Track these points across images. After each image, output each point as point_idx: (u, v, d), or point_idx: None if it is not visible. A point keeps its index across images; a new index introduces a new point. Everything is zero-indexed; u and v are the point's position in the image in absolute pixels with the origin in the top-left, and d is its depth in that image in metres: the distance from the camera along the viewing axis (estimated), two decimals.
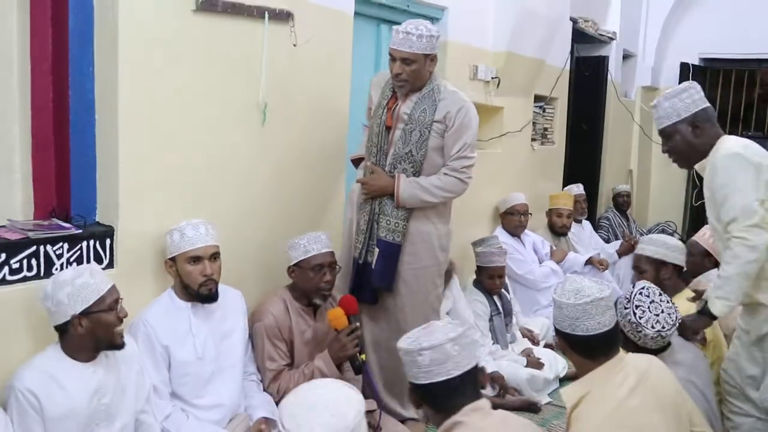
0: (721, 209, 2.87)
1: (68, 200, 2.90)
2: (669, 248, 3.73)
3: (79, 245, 2.75)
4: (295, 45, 3.49)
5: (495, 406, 3.39)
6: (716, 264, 3.72)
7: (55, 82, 2.81)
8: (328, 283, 3.29)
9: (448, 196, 3.48)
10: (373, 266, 3.45)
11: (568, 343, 2.41)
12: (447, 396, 2.07)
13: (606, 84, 7.54)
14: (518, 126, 5.87)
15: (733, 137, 2.99)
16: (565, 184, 6.89)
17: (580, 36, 6.86)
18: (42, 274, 2.61)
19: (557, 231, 6.10)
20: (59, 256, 2.69)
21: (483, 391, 4.04)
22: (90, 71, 2.84)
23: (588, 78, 7.39)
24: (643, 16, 8.44)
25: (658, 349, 2.78)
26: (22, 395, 2.36)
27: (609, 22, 7.59)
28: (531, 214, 5.65)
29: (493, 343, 4.52)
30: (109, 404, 2.53)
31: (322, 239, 3.32)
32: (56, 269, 2.64)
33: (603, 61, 7.51)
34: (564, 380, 4.54)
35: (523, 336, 4.89)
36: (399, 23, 3.39)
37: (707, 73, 8.54)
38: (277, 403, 3.11)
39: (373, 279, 3.45)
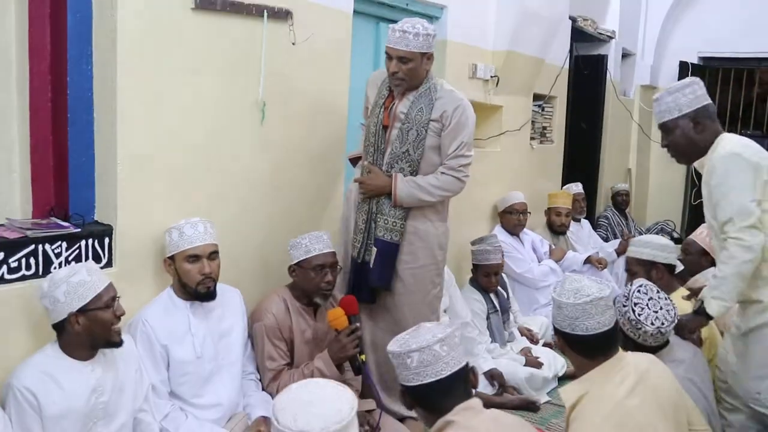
0: (718, 208, 2.87)
1: (67, 199, 2.89)
2: (658, 248, 3.74)
3: (78, 244, 2.74)
4: (294, 43, 3.49)
5: (494, 405, 3.41)
6: (713, 262, 3.72)
7: (54, 81, 2.80)
8: (329, 284, 3.28)
9: (445, 195, 3.47)
10: (371, 265, 3.45)
11: (568, 342, 2.41)
12: (438, 396, 2.07)
13: (605, 83, 7.54)
14: (517, 125, 5.87)
15: (733, 135, 2.98)
16: (564, 183, 6.90)
17: (579, 35, 6.86)
18: (40, 273, 2.61)
19: (556, 230, 6.10)
20: (58, 255, 2.68)
21: (483, 389, 4.10)
22: (88, 70, 2.83)
23: (587, 77, 7.39)
24: (642, 14, 8.45)
25: (658, 347, 2.78)
26: (20, 394, 2.36)
27: (608, 21, 7.60)
28: (530, 212, 5.65)
29: (491, 341, 4.52)
30: (107, 402, 2.53)
31: (324, 239, 3.32)
32: (55, 268, 2.63)
33: (602, 60, 7.51)
34: (563, 379, 4.54)
35: (522, 335, 4.89)
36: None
37: (706, 71, 8.53)
38: None
39: (371, 278, 3.45)
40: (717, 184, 2.86)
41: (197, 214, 3.01)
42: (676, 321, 2.78)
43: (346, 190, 3.74)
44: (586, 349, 2.37)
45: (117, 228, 2.86)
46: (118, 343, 2.54)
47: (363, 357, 3.14)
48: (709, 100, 2.99)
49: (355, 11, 3.96)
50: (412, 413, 3.55)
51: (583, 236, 6.59)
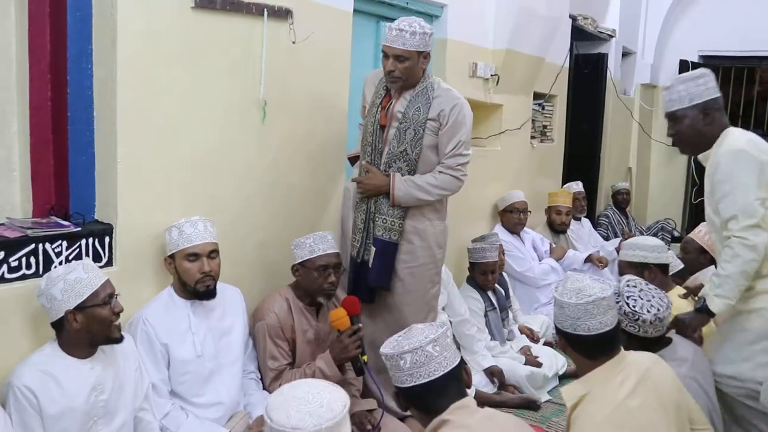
0: (721, 205, 2.86)
1: (67, 198, 2.89)
2: (648, 249, 3.74)
3: (78, 243, 2.74)
4: (294, 42, 3.48)
5: (494, 404, 3.41)
6: (712, 261, 3.73)
7: (54, 80, 2.80)
8: (332, 284, 3.28)
9: (443, 194, 3.47)
10: (370, 265, 3.45)
11: (569, 342, 2.40)
12: (432, 397, 2.07)
13: (605, 81, 7.54)
14: (517, 123, 5.87)
15: (738, 130, 2.97)
16: (564, 182, 6.90)
17: (579, 33, 6.85)
18: (41, 272, 2.60)
19: (556, 228, 6.10)
20: (58, 254, 2.68)
21: (483, 387, 4.10)
22: (88, 69, 2.83)
23: (587, 75, 7.39)
24: (643, 13, 8.45)
25: (660, 343, 2.77)
26: (20, 393, 2.36)
27: (608, 20, 7.60)
28: (530, 211, 5.66)
29: (491, 339, 4.52)
30: (107, 400, 2.53)
31: (328, 239, 3.32)
32: (55, 267, 2.63)
33: (602, 59, 7.50)
34: (564, 378, 4.55)
35: (523, 333, 4.89)
36: None
37: None
38: None
39: (370, 278, 3.45)
40: (721, 180, 2.85)
41: (198, 213, 3.01)
42: (670, 307, 2.77)
43: (344, 190, 3.73)
44: (587, 349, 2.37)
45: (117, 227, 2.86)
46: (118, 339, 2.54)
47: (365, 358, 3.14)
48: (719, 93, 2.98)
49: (355, 10, 3.95)
50: (410, 413, 3.58)
51: (583, 235, 6.59)
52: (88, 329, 2.45)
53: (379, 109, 3.45)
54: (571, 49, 6.65)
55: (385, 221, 3.42)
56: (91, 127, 2.87)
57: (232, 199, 3.33)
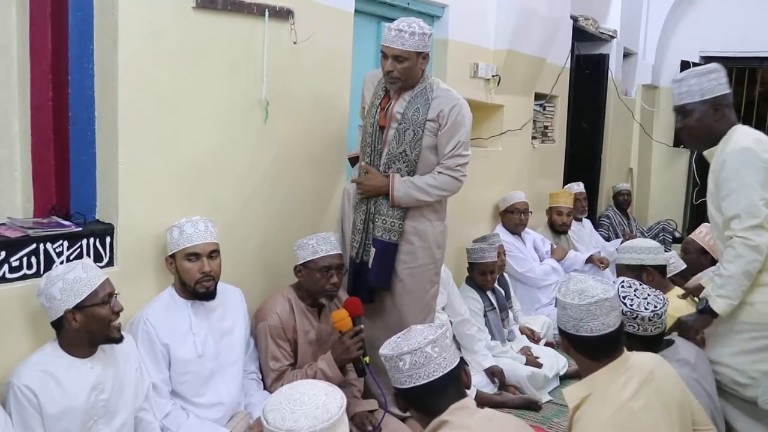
0: (724, 203, 2.85)
1: (68, 198, 2.89)
2: (644, 252, 3.74)
3: (79, 243, 2.74)
4: (295, 42, 3.48)
5: (495, 404, 3.40)
6: (713, 261, 3.73)
7: (55, 80, 2.80)
8: (334, 285, 3.27)
9: (443, 195, 3.47)
10: (369, 266, 3.45)
11: (572, 343, 2.39)
12: (432, 398, 2.07)
13: (606, 82, 7.54)
14: (519, 124, 5.86)
15: (746, 128, 2.96)
16: (565, 183, 6.90)
17: (580, 34, 6.85)
18: (42, 272, 2.60)
19: (557, 229, 6.10)
20: (59, 254, 2.68)
21: (483, 387, 4.10)
22: (90, 69, 2.83)
23: (588, 76, 7.38)
24: (644, 14, 8.45)
25: (662, 345, 2.77)
26: (20, 392, 2.36)
27: (609, 21, 7.59)
28: (531, 212, 5.65)
29: (491, 339, 4.52)
30: (107, 400, 2.53)
31: (331, 240, 3.31)
32: (56, 267, 2.63)
33: (603, 60, 7.50)
34: (565, 378, 4.55)
35: (523, 334, 4.89)
36: None
37: None
38: None
39: (369, 278, 3.45)
40: (726, 178, 2.84)
41: (199, 213, 3.01)
42: (667, 303, 2.77)
43: (344, 191, 3.73)
44: (590, 350, 2.36)
45: (118, 227, 2.86)
46: (118, 339, 2.54)
47: (366, 359, 3.14)
48: (729, 89, 2.96)
49: (356, 10, 3.95)
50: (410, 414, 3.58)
51: (584, 236, 6.59)
52: (88, 328, 2.45)
53: (379, 110, 3.45)
54: (572, 50, 6.65)
55: (384, 222, 3.42)
56: (92, 127, 2.87)
57: (234, 199, 3.33)
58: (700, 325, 2.98)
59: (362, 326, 3.15)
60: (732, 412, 2.95)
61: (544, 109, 6.50)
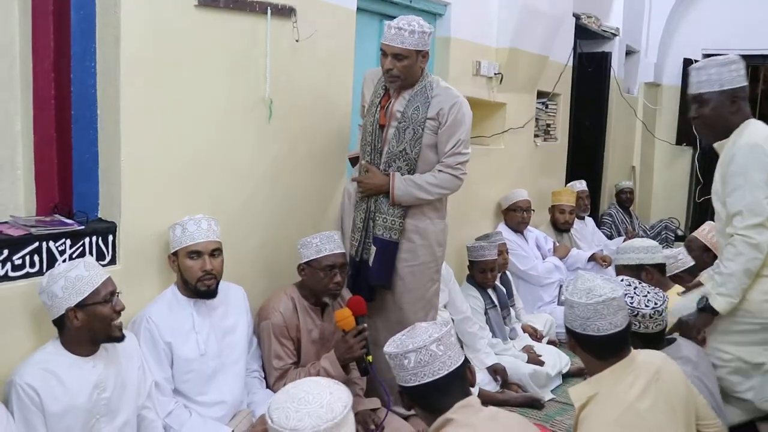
0: (729, 198, 2.85)
1: (70, 196, 2.89)
2: (643, 251, 3.74)
3: (82, 241, 2.74)
4: (297, 41, 3.48)
5: (498, 403, 3.40)
6: (715, 259, 3.72)
7: (57, 78, 2.80)
8: (338, 284, 3.27)
9: (443, 193, 3.47)
10: (370, 264, 3.44)
11: (579, 342, 2.39)
12: (436, 396, 2.06)
13: (609, 80, 7.53)
14: (521, 122, 5.86)
15: (759, 123, 2.94)
16: (567, 181, 6.89)
17: (582, 32, 6.85)
18: (44, 270, 2.60)
19: (560, 227, 6.10)
20: (62, 253, 2.68)
21: (486, 385, 4.09)
22: (92, 67, 2.83)
23: (591, 74, 7.38)
24: (646, 12, 8.44)
25: (663, 344, 2.76)
26: (22, 391, 2.36)
27: (612, 18, 7.59)
28: (534, 210, 5.65)
29: (493, 336, 4.52)
30: (109, 398, 2.53)
31: (335, 239, 3.31)
32: (58, 265, 2.63)
33: (606, 57, 7.50)
34: (567, 376, 4.54)
35: (526, 332, 4.89)
36: None
37: None
38: None
39: (370, 276, 3.45)
40: (734, 173, 2.83)
41: (201, 211, 3.01)
42: (667, 300, 2.76)
43: (344, 190, 3.73)
44: (597, 349, 2.35)
45: (121, 225, 2.86)
46: (119, 338, 2.54)
47: (370, 358, 3.14)
48: (746, 82, 2.94)
49: (358, 8, 3.95)
50: (413, 412, 3.58)
51: (587, 234, 6.59)
52: (89, 327, 2.45)
53: (378, 109, 3.45)
54: (574, 48, 6.65)
55: (385, 220, 3.42)
56: (94, 126, 2.86)
57: (236, 197, 3.33)
58: (701, 324, 2.97)
59: (365, 325, 3.14)
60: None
61: (547, 107, 6.50)
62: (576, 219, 6.30)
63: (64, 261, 2.67)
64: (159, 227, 2.97)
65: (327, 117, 3.79)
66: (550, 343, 4.92)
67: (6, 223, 2.68)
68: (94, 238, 2.78)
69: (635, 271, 3.68)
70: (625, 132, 8.26)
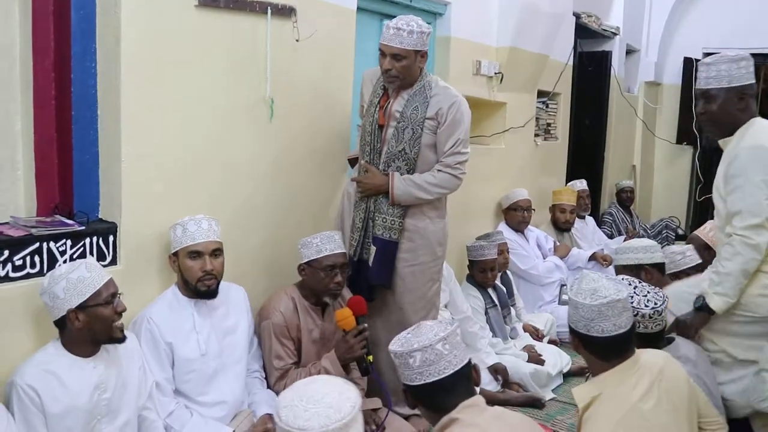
0: (729, 197, 2.85)
1: (71, 197, 2.89)
2: (641, 251, 3.75)
3: (82, 242, 2.74)
4: (297, 40, 3.48)
5: (498, 402, 3.40)
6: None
7: (58, 78, 2.80)
8: (338, 284, 3.27)
9: (442, 192, 3.47)
10: (370, 264, 3.44)
11: (582, 342, 2.38)
12: (441, 395, 2.05)
13: (609, 79, 7.53)
14: (521, 121, 5.86)
15: (764, 122, 2.94)
16: (568, 180, 6.89)
17: (583, 31, 6.84)
18: (45, 271, 2.60)
19: (560, 226, 6.10)
20: (62, 253, 2.68)
21: (486, 384, 4.09)
22: (92, 67, 2.83)
23: (591, 73, 7.38)
24: (647, 11, 8.44)
25: (662, 343, 2.77)
26: (23, 392, 2.36)
27: (612, 18, 7.58)
28: (534, 209, 5.65)
29: (493, 336, 4.52)
30: (110, 399, 2.53)
31: (336, 239, 3.31)
32: (59, 266, 2.63)
33: (606, 57, 7.49)
34: (568, 376, 4.54)
35: (527, 332, 4.88)
36: None
37: None
38: None
39: (370, 276, 3.45)
40: (735, 174, 2.83)
41: (202, 211, 3.01)
42: (667, 301, 2.76)
43: (343, 191, 3.73)
44: (601, 350, 2.35)
45: (121, 226, 2.86)
46: (120, 339, 2.54)
47: (370, 358, 3.14)
48: (754, 80, 2.94)
49: (358, 8, 3.95)
50: (416, 410, 3.58)
51: (587, 233, 6.58)
52: (90, 328, 2.45)
53: (377, 109, 3.45)
54: (575, 47, 6.64)
55: (385, 220, 3.42)
56: (95, 126, 2.86)
57: (237, 197, 3.33)
58: (698, 323, 2.97)
59: (366, 325, 3.15)
60: None
61: (547, 107, 6.49)
62: (576, 218, 6.30)
63: (64, 261, 2.67)
64: (160, 227, 2.97)
65: (327, 117, 3.79)
66: (550, 342, 4.92)
67: (6, 223, 2.68)
68: (94, 239, 2.78)
69: (635, 271, 3.69)
70: (626, 131, 8.26)
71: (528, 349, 4.55)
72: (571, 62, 6.57)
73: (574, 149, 7.15)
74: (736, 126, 2.92)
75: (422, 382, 2.04)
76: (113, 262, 2.86)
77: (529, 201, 5.57)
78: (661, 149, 8.98)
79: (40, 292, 2.46)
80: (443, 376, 2.03)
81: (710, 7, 8.44)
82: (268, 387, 3.21)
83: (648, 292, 2.73)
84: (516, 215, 5.52)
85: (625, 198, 7.51)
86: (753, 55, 3.07)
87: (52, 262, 2.64)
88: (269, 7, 3.31)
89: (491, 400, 3.77)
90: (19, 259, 2.55)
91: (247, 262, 3.41)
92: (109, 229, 2.84)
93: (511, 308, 4.91)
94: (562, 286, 5.46)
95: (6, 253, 2.52)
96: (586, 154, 7.48)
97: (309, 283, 3.29)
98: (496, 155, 5.56)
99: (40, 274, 2.60)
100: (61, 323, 2.46)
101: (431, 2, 4.69)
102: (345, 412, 1.59)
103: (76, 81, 2.82)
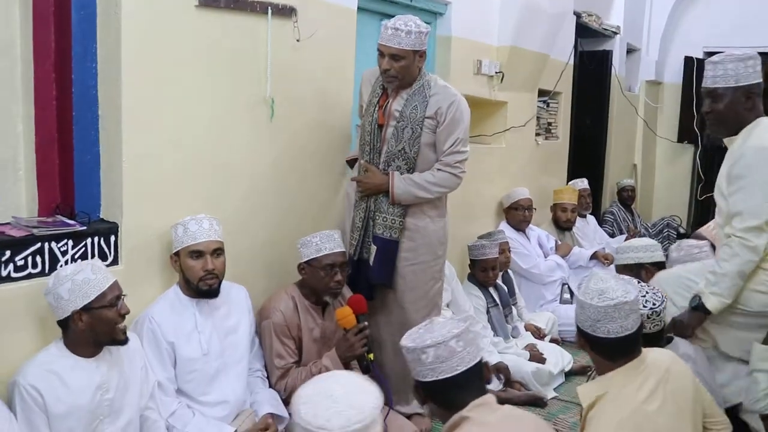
0: (731, 197, 2.84)
1: (72, 197, 2.89)
2: (641, 250, 3.75)
3: (84, 242, 2.74)
4: (298, 40, 3.48)
5: (500, 401, 3.39)
6: None
7: (58, 79, 2.80)
8: (338, 283, 3.27)
9: (442, 191, 3.48)
10: (370, 263, 3.45)
11: (588, 342, 2.37)
12: (453, 392, 2.04)
13: (610, 78, 7.52)
14: (522, 121, 5.86)
15: None
16: (569, 179, 6.88)
17: (583, 30, 6.83)
18: (46, 271, 2.61)
19: (562, 225, 6.09)
20: (64, 253, 2.68)
21: (488, 384, 4.09)
22: (93, 68, 2.83)
23: (592, 72, 7.37)
24: (647, 9, 8.42)
25: (661, 342, 2.76)
26: (26, 392, 2.36)
27: (613, 17, 7.57)
28: (535, 208, 5.65)
29: (495, 335, 4.52)
30: (112, 399, 2.53)
31: (335, 238, 3.31)
32: (61, 266, 2.63)
33: (607, 56, 7.48)
34: (570, 374, 4.54)
35: (528, 331, 4.88)
36: None
37: None
38: (284, 401, 3.12)
39: (371, 275, 3.45)
40: (739, 174, 2.82)
41: (203, 211, 3.01)
42: (665, 301, 2.75)
43: (346, 191, 3.73)
44: (606, 351, 2.34)
45: (123, 226, 2.86)
46: (123, 341, 2.54)
47: (371, 356, 3.14)
48: (761, 79, 2.92)
49: (359, 8, 3.95)
50: (417, 409, 3.58)
51: (588, 232, 6.58)
52: (93, 330, 2.45)
53: (377, 109, 3.46)
54: (575, 46, 6.64)
55: (385, 219, 3.43)
56: (96, 126, 2.86)
57: (238, 197, 3.33)
58: (695, 323, 2.96)
59: (366, 323, 3.15)
60: None
61: (548, 106, 6.49)
62: (578, 217, 6.29)
63: (66, 262, 2.67)
64: (161, 227, 2.97)
65: (328, 116, 3.79)
66: (552, 341, 4.91)
67: (8, 224, 2.69)
68: (96, 239, 2.78)
69: (635, 270, 3.69)
70: (627, 130, 8.25)
71: (530, 348, 4.55)
72: (571, 61, 6.57)
73: (575, 148, 7.14)
74: (742, 125, 2.91)
75: (434, 378, 2.03)
76: (114, 262, 2.86)
77: (530, 200, 5.57)
78: (662, 148, 8.97)
79: (45, 292, 2.46)
80: (455, 373, 2.01)
81: (711, 6, 8.42)
82: (270, 386, 3.21)
83: (647, 292, 2.72)
84: (517, 214, 5.52)
85: (626, 197, 7.51)
86: None
87: (54, 263, 2.64)
88: (270, 7, 3.31)
89: None
90: (20, 259, 2.55)
91: (247, 261, 3.41)
92: (110, 229, 2.84)
93: (513, 307, 4.91)
94: (564, 285, 5.46)
95: (8, 253, 2.52)
96: (587, 153, 7.47)
97: (309, 282, 3.29)
98: (497, 154, 5.56)
99: (42, 274, 2.60)
100: (64, 324, 2.46)
101: (432, 2, 4.68)
102: (366, 413, 1.54)
103: (77, 81, 2.82)
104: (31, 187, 2.81)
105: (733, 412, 2.92)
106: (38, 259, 2.61)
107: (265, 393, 3.14)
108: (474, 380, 2.06)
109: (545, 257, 5.59)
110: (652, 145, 8.88)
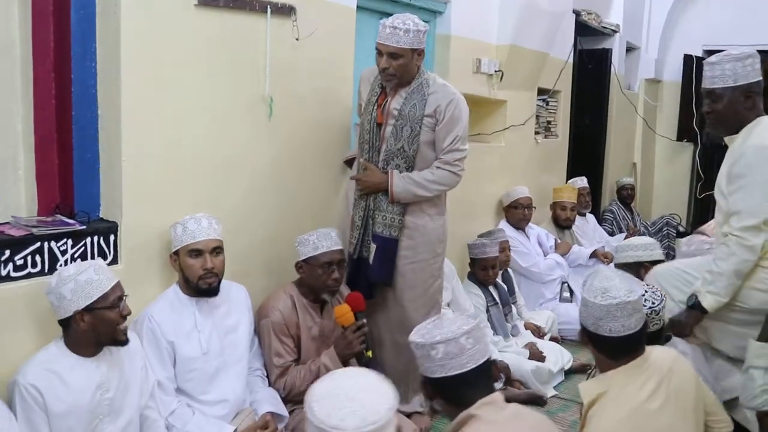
0: (731, 196, 2.84)
1: (72, 196, 2.89)
2: (640, 249, 3.76)
3: (83, 241, 2.74)
4: (297, 39, 3.48)
5: None
6: None
7: (58, 79, 2.80)
8: (336, 281, 3.28)
9: (441, 190, 3.48)
10: (370, 261, 3.45)
11: (591, 340, 2.37)
12: (461, 389, 2.03)
13: (609, 77, 7.51)
14: (522, 119, 5.86)
15: None
16: (568, 178, 6.88)
17: (583, 29, 6.83)
18: (46, 270, 2.61)
19: (561, 224, 6.09)
20: (63, 253, 2.68)
21: (495, 383, 4.09)
22: (92, 67, 2.83)
23: (591, 71, 7.37)
24: (647, 8, 8.42)
25: (660, 341, 2.76)
26: (26, 391, 2.36)
27: (612, 15, 7.56)
28: (535, 207, 5.65)
29: (494, 334, 4.52)
30: (112, 399, 2.54)
31: (332, 236, 3.32)
32: (60, 265, 2.63)
33: (606, 54, 7.48)
34: (570, 373, 4.54)
35: (528, 329, 4.88)
36: None
37: None
38: (284, 399, 3.13)
39: (371, 274, 3.46)
40: (738, 174, 2.82)
41: (202, 209, 3.01)
42: (665, 300, 2.75)
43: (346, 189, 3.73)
44: (609, 350, 2.34)
45: (122, 225, 2.86)
46: (124, 342, 2.54)
47: (369, 353, 3.14)
48: (761, 77, 2.91)
49: (358, 6, 3.95)
50: (417, 408, 3.58)
51: (588, 230, 6.58)
52: (95, 330, 2.45)
53: (376, 107, 3.46)
54: (575, 45, 6.63)
55: (384, 218, 3.43)
56: (95, 126, 2.86)
57: (237, 196, 3.34)
58: (692, 322, 2.96)
59: (365, 321, 3.16)
60: None
61: (547, 104, 6.49)
62: (577, 216, 6.29)
63: (66, 261, 2.67)
64: (160, 226, 2.97)
65: (327, 115, 3.79)
66: (552, 339, 4.92)
67: (7, 223, 2.69)
68: (95, 238, 2.79)
69: (634, 268, 3.69)
70: (626, 128, 8.25)
71: (529, 346, 4.55)
72: (571, 60, 6.57)
73: (574, 147, 7.14)
74: (742, 124, 2.90)
75: (443, 375, 2.02)
76: (114, 261, 2.86)
77: (530, 198, 5.57)
78: (661, 146, 8.97)
79: (47, 292, 2.46)
80: (464, 370, 2.01)
81: (710, 4, 8.42)
82: (269, 385, 3.21)
83: (645, 291, 2.72)
84: (517, 213, 5.52)
85: (625, 195, 7.51)
86: None
87: (54, 262, 2.64)
88: (269, 6, 3.31)
89: None
90: (20, 258, 2.55)
91: (246, 260, 3.41)
92: (109, 229, 2.84)
93: (513, 306, 4.91)
94: (563, 283, 5.46)
95: (7, 252, 2.52)
96: (586, 152, 7.47)
97: (307, 281, 3.30)
98: (496, 153, 5.56)
99: (42, 273, 2.60)
100: (65, 323, 2.46)
101: (431, 0, 4.68)
102: (381, 413, 1.50)
103: (76, 81, 2.82)
104: (31, 186, 2.81)
105: None
106: (38, 258, 2.61)
107: (265, 392, 3.14)
108: (482, 378, 2.05)
109: (545, 256, 5.59)
110: (652, 143, 8.88)
